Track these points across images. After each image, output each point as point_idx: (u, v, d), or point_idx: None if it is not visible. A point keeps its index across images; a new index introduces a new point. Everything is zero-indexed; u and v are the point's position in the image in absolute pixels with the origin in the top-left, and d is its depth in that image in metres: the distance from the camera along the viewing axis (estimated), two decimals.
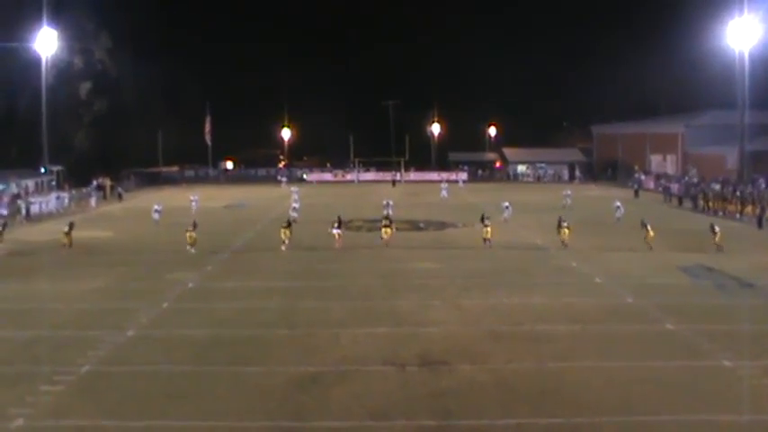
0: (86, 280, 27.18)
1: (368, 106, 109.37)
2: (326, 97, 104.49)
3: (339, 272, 28.86)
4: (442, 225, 44.18)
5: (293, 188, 65.48)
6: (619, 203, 45.55)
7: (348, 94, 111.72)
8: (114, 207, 57.66)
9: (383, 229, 35.89)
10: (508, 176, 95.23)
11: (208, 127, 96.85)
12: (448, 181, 74.27)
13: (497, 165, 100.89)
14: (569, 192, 56.41)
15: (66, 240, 35.22)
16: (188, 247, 33.50)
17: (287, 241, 34.58)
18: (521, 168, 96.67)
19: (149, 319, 21.35)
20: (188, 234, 33.98)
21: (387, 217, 38.71)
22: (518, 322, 20.77)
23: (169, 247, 35.99)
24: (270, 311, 22.29)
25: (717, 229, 33.65)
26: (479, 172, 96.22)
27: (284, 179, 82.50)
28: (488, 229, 35.02)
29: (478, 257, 32.17)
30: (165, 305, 23.01)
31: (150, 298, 23.92)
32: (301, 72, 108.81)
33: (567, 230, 34.88)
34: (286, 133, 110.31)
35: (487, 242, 34.68)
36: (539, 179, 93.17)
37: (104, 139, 79.98)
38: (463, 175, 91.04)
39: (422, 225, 44.29)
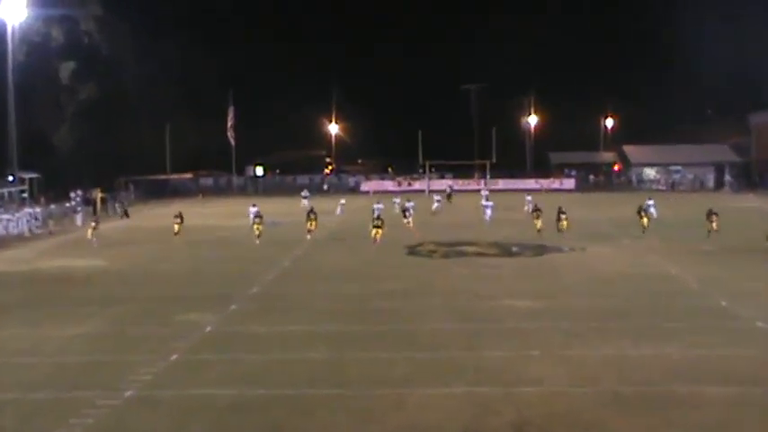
0: (70, 324, 27.46)
1: (442, 93, 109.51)
2: (387, 81, 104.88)
3: (404, 311, 28.71)
4: (541, 249, 43.84)
5: (377, 205, 63.49)
6: (650, 201, 55.06)
7: (416, 76, 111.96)
8: (112, 226, 58.49)
9: (374, 230, 46.10)
10: (630, 183, 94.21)
11: (231, 122, 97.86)
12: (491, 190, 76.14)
13: (616, 168, 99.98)
14: (530, 197, 63.16)
15: (178, 228, 50.36)
16: (256, 240, 46.94)
17: (312, 229, 48.88)
18: (648, 172, 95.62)
19: (154, 375, 21.41)
20: (255, 226, 48.26)
21: (378, 218, 47.97)
22: (650, 381, 20.30)
23: (181, 279, 36.36)
24: (313, 364, 22.20)
25: (714, 216, 46.93)
26: (591, 177, 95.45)
27: (307, 195, 79.47)
28: (565, 222, 48.65)
29: (593, 292, 31.73)
30: (174, 357, 23.09)
31: (155, 347, 24.04)
32: (354, 49, 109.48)
33: (565, 222, 48.66)
34: (333, 129, 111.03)
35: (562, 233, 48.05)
36: (673, 186, 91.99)
37: (94, 137, 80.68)
38: (570, 182, 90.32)
39: (515, 249, 44.04)
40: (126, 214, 64.29)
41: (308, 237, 48.70)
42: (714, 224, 46.99)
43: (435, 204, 67.92)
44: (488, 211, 59.25)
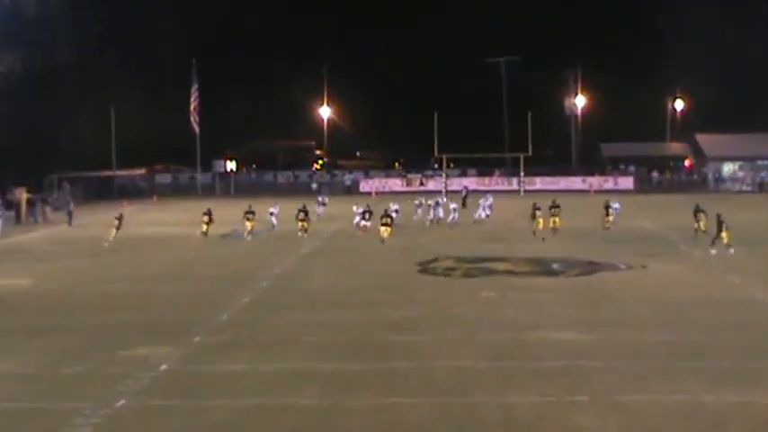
0: None
1: (464, 68, 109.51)
2: (393, 53, 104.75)
3: (416, 345, 28.72)
4: (590, 266, 43.91)
5: (393, 205, 63.07)
6: (616, 204, 61.02)
7: (430, 46, 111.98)
8: (38, 235, 58.51)
9: (382, 228, 51.92)
10: (705, 182, 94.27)
11: (194, 102, 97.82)
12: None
13: (687, 163, 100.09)
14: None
15: (206, 228, 55.93)
16: (246, 235, 55.11)
17: (306, 229, 55.19)
18: (728, 169, 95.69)
19: (94, 426, 21.38)
20: (247, 222, 55.46)
21: (387, 215, 53.41)
22: None
23: (129, 302, 36.33)
24: (300, 412, 22.19)
25: (701, 215, 51.52)
26: (654, 175, 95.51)
27: (325, 201, 74.20)
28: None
29: (656, 322, 31.75)
30: (120, 402, 23.06)
31: (96, 390, 24.01)
32: (352, 12, 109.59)
33: (541, 220, 54.34)
34: (325, 113, 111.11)
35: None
36: (761, 187, 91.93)
37: (17, 123, 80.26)
38: (627, 181, 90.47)
39: (556, 266, 44.17)
40: (69, 218, 64.15)
41: (300, 234, 54.95)
42: (701, 223, 51.65)
43: (418, 210, 67.23)
44: (455, 215, 64.03)
